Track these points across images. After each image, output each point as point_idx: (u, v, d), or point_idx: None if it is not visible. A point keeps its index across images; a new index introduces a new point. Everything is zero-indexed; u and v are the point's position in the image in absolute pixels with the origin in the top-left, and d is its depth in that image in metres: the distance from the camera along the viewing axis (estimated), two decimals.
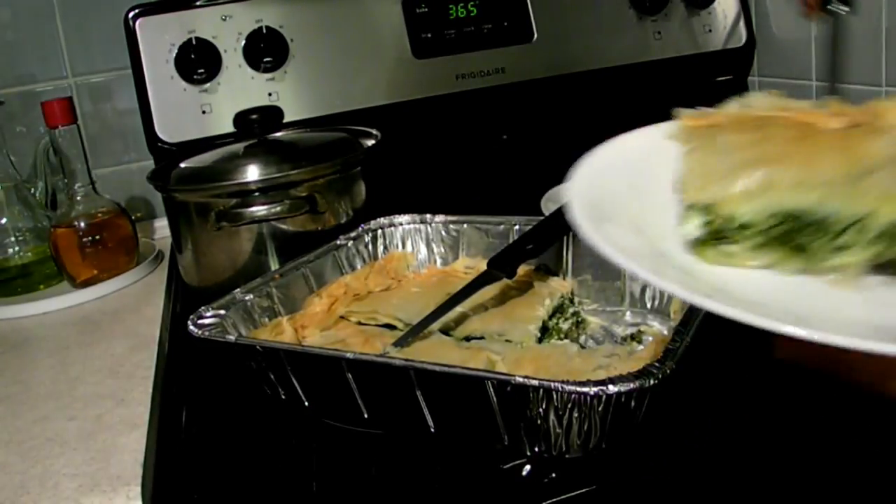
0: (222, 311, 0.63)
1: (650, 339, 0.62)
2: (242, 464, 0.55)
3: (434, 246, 0.78)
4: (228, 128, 0.95)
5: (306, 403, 0.58)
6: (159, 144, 1.03)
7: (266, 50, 1.04)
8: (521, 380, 0.45)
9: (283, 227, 0.79)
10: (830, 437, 0.49)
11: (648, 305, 0.67)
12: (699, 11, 1.19)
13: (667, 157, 0.38)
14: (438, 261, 0.78)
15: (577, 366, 0.56)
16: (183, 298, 0.87)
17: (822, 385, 0.54)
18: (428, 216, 0.79)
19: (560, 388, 0.44)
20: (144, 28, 1.02)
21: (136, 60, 1.03)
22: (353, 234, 0.77)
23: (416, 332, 0.62)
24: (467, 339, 0.64)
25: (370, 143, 0.88)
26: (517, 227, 0.74)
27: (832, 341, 0.27)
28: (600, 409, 0.45)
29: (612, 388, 0.43)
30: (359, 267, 0.76)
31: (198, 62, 1.03)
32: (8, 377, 0.64)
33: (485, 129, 1.15)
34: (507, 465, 0.50)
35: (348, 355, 0.52)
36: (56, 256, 0.93)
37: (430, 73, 1.10)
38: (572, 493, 0.47)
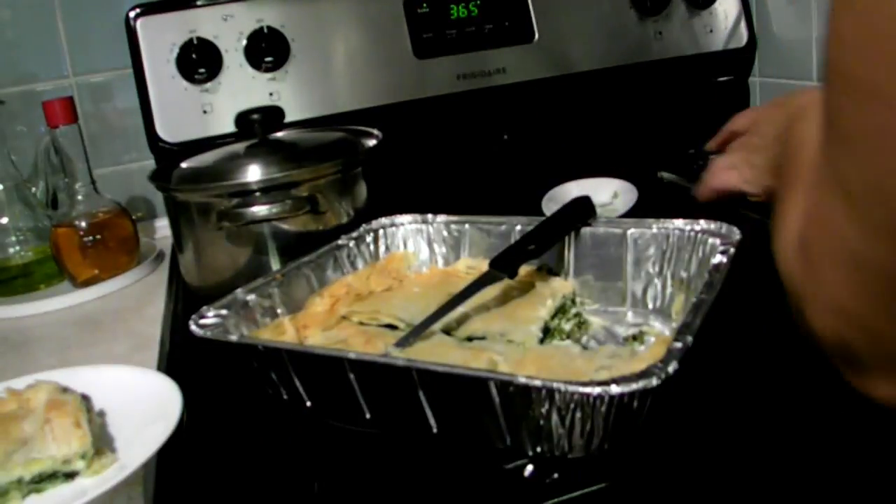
0: (224, 311, 0.63)
1: (652, 339, 0.62)
2: (244, 464, 0.55)
3: (435, 246, 0.78)
4: (229, 127, 0.95)
5: (308, 403, 0.58)
6: (160, 144, 1.03)
7: (267, 50, 1.04)
8: (523, 380, 0.45)
9: (285, 227, 0.79)
10: (831, 438, 0.49)
11: (650, 306, 0.67)
12: (700, 12, 1.19)
13: None
14: (440, 261, 0.78)
15: (579, 366, 0.56)
16: (184, 298, 0.87)
17: (822, 385, 0.54)
18: (429, 216, 0.79)
19: (563, 389, 0.44)
20: (145, 27, 1.02)
21: (136, 60, 1.03)
22: (354, 234, 0.77)
23: (418, 332, 0.62)
24: (469, 339, 0.63)
25: (371, 143, 0.88)
26: (518, 227, 0.74)
27: None
28: (603, 409, 0.45)
29: (614, 389, 0.43)
30: (360, 267, 0.76)
31: (199, 62, 1.03)
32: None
33: (486, 129, 1.15)
34: (510, 466, 0.50)
35: (350, 355, 0.52)
36: (57, 256, 0.93)
37: (431, 73, 1.10)
38: (574, 494, 0.47)
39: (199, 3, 1.03)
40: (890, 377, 0.30)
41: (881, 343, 0.29)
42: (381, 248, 0.78)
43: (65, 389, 0.58)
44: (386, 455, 0.53)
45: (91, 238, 0.93)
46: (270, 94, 1.05)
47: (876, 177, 0.26)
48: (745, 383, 0.55)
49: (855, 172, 0.27)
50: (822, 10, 1.06)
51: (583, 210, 0.71)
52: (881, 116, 0.25)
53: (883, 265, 0.27)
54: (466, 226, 0.77)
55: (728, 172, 0.70)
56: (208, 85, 1.04)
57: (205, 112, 1.04)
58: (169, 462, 0.55)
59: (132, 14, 1.02)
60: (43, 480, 0.53)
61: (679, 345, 0.47)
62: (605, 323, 0.67)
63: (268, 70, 1.05)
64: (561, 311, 0.66)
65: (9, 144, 0.96)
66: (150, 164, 1.07)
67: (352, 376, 0.53)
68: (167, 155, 1.01)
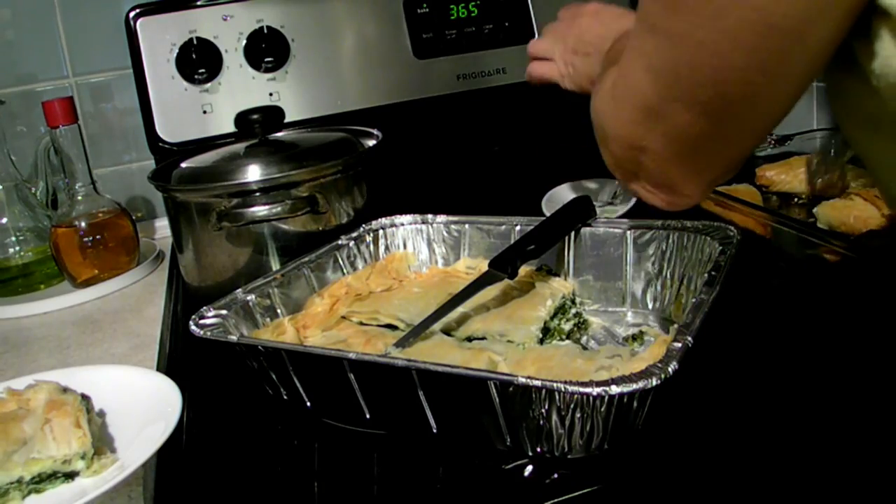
0: (224, 311, 0.63)
1: (652, 339, 0.62)
2: (244, 464, 0.55)
3: (435, 246, 0.78)
4: (229, 128, 0.95)
5: (308, 404, 0.58)
6: (160, 144, 1.03)
7: (267, 50, 1.04)
8: (523, 380, 0.45)
9: (285, 227, 0.79)
10: (830, 438, 0.49)
11: (650, 306, 0.67)
12: None
13: None
14: (440, 261, 0.78)
15: (579, 366, 0.56)
16: (184, 298, 0.87)
17: (822, 385, 0.54)
18: (429, 216, 0.79)
19: (562, 389, 0.44)
20: (145, 28, 1.02)
21: (136, 60, 1.03)
22: (354, 235, 0.77)
23: (418, 332, 0.62)
24: (469, 339, 0.64)
25: (371, 143, 0.88)
26: (518, 227, 0.74)
27: None
28: (603, 409, 0.45)
29: (614, 389, 0.43)
30: (360, 267, 0.76)
31: (199, 62, 1.03)
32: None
33: (486, 129, 1.15)
34: (509, 466, 0.50)
35: (350, 355, 0.52)
36: (57, 256, 0.93)
37: (431, 74, 1.10)
38: (574, 494, 0.47)
39: (199, 3, 1.03)
40: (642, 182, 0.49)
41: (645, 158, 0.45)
42: (381, 249, 0.78)
43: (65, 389, 0.58)
44: (386, 455, 0.54)
45: (91, 238, 0.93)
46: (270, 94, 1.05)
47: (669, 61, 0.39)
48: (744, 383, 0.55)
49: (655, 54, 0.40)
50: None
51: (583, 210, 0.71)
52: (678, 23, 0.37)
53: (662, 110, 0.41)
54: (466, 226, 0.77)
55: (547, 64, 0.80)
56: (208, 85, 1.04)
57: (205, 112, 1.04)
58: (169, 462, 0.55)
59: (132, 14, 1.02)
60: (43, 480, 0.53)
61: (679, 345, 0.47)
62: (604, 323, 0.67)
63: (268, 70, 1.05)
64: (561, 311, 0.66)
65: (9, 144, 0.96)
66: (150, 164, 1.07)
67: (352, 376, 0.53)
68: (167, 155, 1.01)
